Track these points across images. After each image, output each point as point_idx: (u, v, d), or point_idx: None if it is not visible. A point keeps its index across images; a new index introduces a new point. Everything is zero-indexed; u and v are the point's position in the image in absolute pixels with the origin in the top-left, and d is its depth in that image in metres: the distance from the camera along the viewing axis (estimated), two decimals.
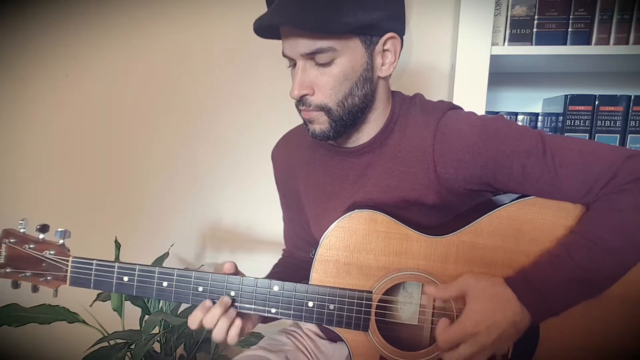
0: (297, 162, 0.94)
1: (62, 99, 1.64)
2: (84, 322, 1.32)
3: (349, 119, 0.77)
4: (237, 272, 0.81)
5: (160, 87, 1.57)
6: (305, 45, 0.72)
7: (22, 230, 0.82)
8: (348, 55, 0.73)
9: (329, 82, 0.74)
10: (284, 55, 0.78)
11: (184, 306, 1.48)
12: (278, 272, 0.98)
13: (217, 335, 0.75)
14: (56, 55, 1.62)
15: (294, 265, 1.02)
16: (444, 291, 0.72)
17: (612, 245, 0.67)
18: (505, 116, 0.81)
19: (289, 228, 1.05)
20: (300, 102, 0.77)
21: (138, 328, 1.38)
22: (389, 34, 0.75)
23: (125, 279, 0.80)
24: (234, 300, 0.78)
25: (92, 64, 1.60)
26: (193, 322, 0.76)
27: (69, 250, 0.82)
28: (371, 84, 0.77)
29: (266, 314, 0.79)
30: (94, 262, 0.80)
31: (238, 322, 0.76)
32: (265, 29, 0.74)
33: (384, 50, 0.77)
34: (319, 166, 0.89)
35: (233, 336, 0.76)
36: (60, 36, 1.60)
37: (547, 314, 0.70)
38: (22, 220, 0.82)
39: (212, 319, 0.75)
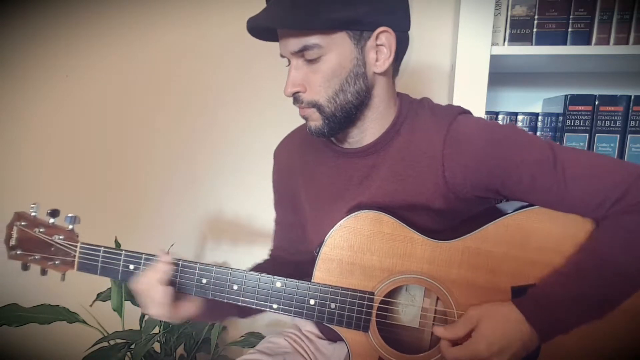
0: (300, 162, 0.93)
1: (62, 99, 1.64)
2: (84, 322, 1.32)
3: (342, 115, 0.77)
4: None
5: (160, 87, 1.57)
6: (294, 43, 0.73)
7: (33, 214, 0.83)
8: (335, 51, 0.73)
9: (318, 79, 0.75)
10: (281, 56, 0.79)
11: None
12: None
13: (140, 282, 0.77)
14: (56, 55, 1.61)
15: (271, 268, 1.01)
16: (454, 330, 0.71)
17: (621, 266, 0.67)
18: (516, 125, 0.80)
19: (279, 229, 1.04)
20: (295, 99, 0.78)
21: (138, 328, 1.38)
22: (381, 28, 0.74)
23: (131, 267, 0.81)
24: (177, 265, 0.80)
25: (92, 64, 1.60)
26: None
27: (77, 236, 0.84)
28: (365, 80, 0.76)
29: (267, 310, 0.79)
30: (102, 248, 0.82)
31: (167, 290, 0.77)
32: (257, 31, 0.76)
33: (377, 45, 0.76)
34: (324, 167, 0.89)
35: (155, 296, 0.76)
36: (60, 36, 1.60)
37: (556, 334, 0.70)
38: (33, 204, 0.84)
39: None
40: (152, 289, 0.76)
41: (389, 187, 0.80)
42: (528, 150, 0.73)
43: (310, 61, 0.74)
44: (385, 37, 0.75)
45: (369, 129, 0.82)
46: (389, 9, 0.75)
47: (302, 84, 0.76)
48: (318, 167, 0.89)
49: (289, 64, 0.78)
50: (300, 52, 0.74)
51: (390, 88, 0.82)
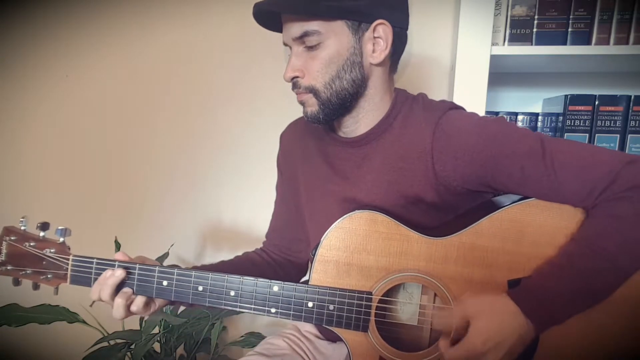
0: (299, 148, 0.96)
1: (62, 99, 1.64)
2: (84, 322, 1.32)
3: (337, 101, 0.80)
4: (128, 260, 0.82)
5: (161, 87, 1.57)
6: (296, 29, 0.77)
7: (22, 228, 0.82)
8: (334, 39, 0.77)
9: (316, 65, 0.78)
10: (284, 44, 0.82)
11: None
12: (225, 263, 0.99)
13: (116, 312, 0.79)
14: (56, 55, 1.61)
15: (248, 261, 1.02)
16: (447, 319, 0.71)
17: (613, 254, 0.67)
18: (506, 118, 0.81)
19: (277, 210, 1.07)
20: (293, 85, 0.81)
21: (138, 328, 1.38)
22: (378, 21, 0.77)
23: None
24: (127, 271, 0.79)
25: (92, 64, 1.60)
26: (93, 293, 0.79)
27: (69, 249, 0.82)
28: (361, 69, 0.79)
29: (266, 314, 0.79)
30: (94, 260, 0.81)
31: (139, 300, 0.79)
32: (262, 16, 0.79)
33: (375, 37, 0.79)
34: (320, 154, 0.91)
35: (139, 305, 0.79)
36: (60, 36, 1.60)
37: (550, 324, 0.70)
38: (22, 217, 0.82)
39: (106, 295, 0.78)
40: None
41: (383, 178, 0.82)
42: (518, 143, 0.74)
43: (310, 48, 0.78)
44: (382, 30, 0.78)
45: (363, 119, 0.84)
46: (388, 3, 0.78)
47: (301, 70, 0.79)
48: (316, 153, 0.92)
49: (291, 52, 0.81)
50: (301, 39, 0.77)
51: (387, 82, 0.85)
